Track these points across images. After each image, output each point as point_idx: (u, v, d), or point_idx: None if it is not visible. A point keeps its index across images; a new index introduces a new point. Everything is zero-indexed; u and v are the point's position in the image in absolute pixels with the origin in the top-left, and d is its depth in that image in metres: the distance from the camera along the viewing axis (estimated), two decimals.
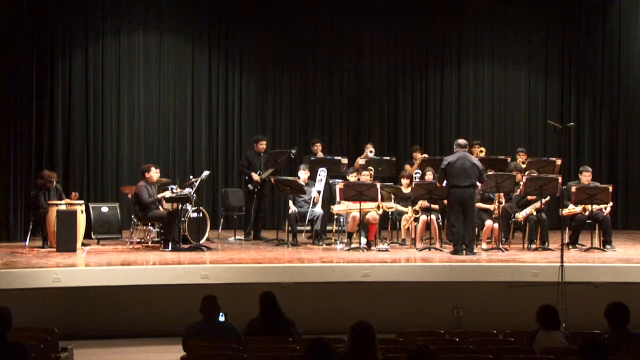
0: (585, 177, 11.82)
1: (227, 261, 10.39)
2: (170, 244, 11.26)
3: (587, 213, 11.56)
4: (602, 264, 10.43)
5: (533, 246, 11.60)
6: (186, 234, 11.55)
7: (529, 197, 11.73)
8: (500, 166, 12.28)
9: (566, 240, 11.44)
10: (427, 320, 9.50)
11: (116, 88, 14.62)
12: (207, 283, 9.43)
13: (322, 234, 12.45)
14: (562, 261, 9.09)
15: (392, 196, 12.21)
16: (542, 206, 11.66)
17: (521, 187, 11.67)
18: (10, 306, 5.84)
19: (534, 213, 11.63)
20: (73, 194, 12.11)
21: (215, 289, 8.21)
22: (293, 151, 13.21)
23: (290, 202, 12.35)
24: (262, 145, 13.18)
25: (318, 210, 12.33)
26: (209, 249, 11.52)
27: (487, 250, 11.46)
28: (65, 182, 13.70)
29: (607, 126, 15.65)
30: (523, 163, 12.94)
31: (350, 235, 11.78)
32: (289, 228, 12.27)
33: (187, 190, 11.64)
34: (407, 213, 12.10)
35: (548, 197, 11.68)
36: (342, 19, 15.63)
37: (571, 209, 11.58)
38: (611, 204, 11.71)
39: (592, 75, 15.70)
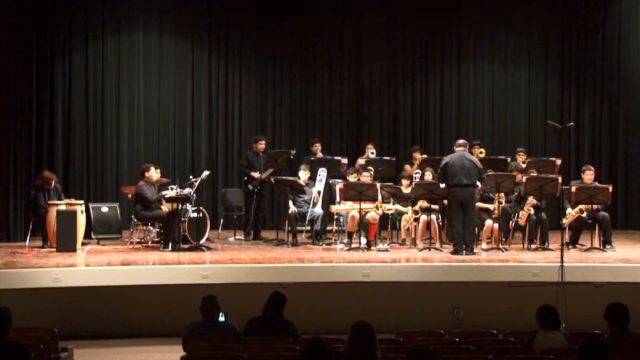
0: (588, 175, 11.82)
1: (227, 261, 10.39)
2: (170, 244, 11.26)
3: (584, 214, 11.55)
4: (602, 264, 10.42)
5: (533, 246, 11.60)
6: (186, 234, 11.54)
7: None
8: (500, 166, 12.27)
9: (566, 240, 11.44)
10: (427, 320, 9.50)
11: (116, 88, 14.63)
12: (207, 283, 9.43)
13: (322, 234, 12.45)
14: (562, 261, 9.09)
15: (391, 199, 12.23)
16: (540, 203, 11.66)
17: (522, 187, 11.66)
18: (10, 306, 5.83)
19: (532, 211, 11.63)
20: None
21: (215, 289, 8.21)
22: (293, 152, 13.21)
23: (290, 202, 12.35)
24: (262, 145, 13.17)
25: (318, 210, 12.33)
26: (209, 249, 11.52)
27: (487, 250, 11.46)
28: (65, 182, 13.72)
29: (607, 126, 15.65)
30: (523, 163, 12.94)
31: (350, 235, 11.77)
32: (289, 228, 12.28)
33: (187, 190, 11.65)
34: (407, 213, 12.10)
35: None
36: (342, 18, 15.63)
37: (569, 216, 11.56)
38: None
39: (592, 75, 15.70)
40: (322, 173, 12.59)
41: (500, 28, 15.84)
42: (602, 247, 11.53)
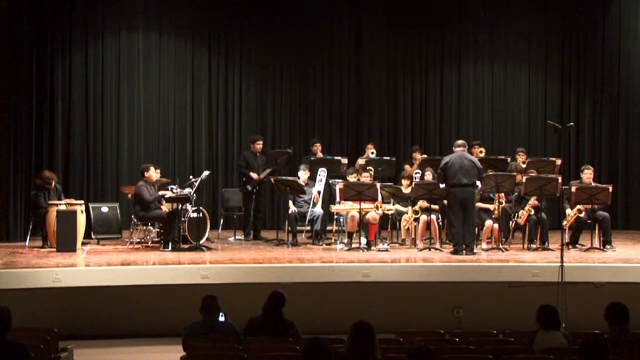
0: (587, 175, 11.82)
1: (227, 261, 10.39)
2: (170, 244, 11.26)
3: (583, 214, 11.54)
4: (602, 264, 10.42)
5: (533, 246, 11.60)
6: (186, 234, 11.54)
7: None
8: (500, 166, 12.27)
9: (566, 240, 11.44)
10: (427, 320, 9.51)
11: (116, 88, 14.62)
12: (207, 283, 9.43)
13: (322, 234, 12.45)
14: (562, 261, 9.09)
15: (391, 199, 12.24)
16: (540, 204, 11.65)
17: (522, 188, 11.66)
18: (10, 306, 5.83)
19: (532, 212, 11.63)
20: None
21: (215, 289, 8.21)
22: (289, 150, 13.21)
23: (290, 202, 12.35)
24: (259, 145, 13.17)
25: (318, 210, 12.33)
26: (209, 249, 11.52)
27: (487, 250, 11.46)
28: (65, 182, 13.72)
29: (607, 126, 15.64)
30: (523, 163, 12.93)
31: (350, 235, 11.77)
32: (289, 228, 12.28)
33: (187, 190, 11.65)
34: (407, 213, 12.10)
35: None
36: (342, 18, 15.63)
37: (569, 218, 11.54)
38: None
39: (592, 75, 15.69)
40: (322, 173, 12.58)
41: (500, 28, 15.83)
42: (602, 247, 11.53)
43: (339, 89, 15.70)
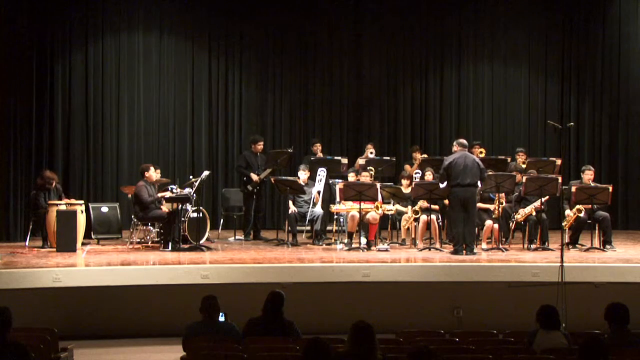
0: (588, 175, 11.81)
1: (227, 261, 10.39)
2: (170, 244, 11.26)
3: (582, 214, 11.52)
4: (602, 264, 10.42)
5: (533, 246, 11.60)
6: (186, 234, 11.55)
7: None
8: (500, 166, 12.27)
9: (566, 240, 11.44)
10: (427, 320, 9.51)
11: (116, 88, 14.63)
12: (207, 283, 9.43)
13: (322, 234, 12.45)
14: (562, 261, 9.09)
15: (391, 199, 12.24)
16: (542, 206, 11.66)
17: (522, 188, 11.65)
18: (10, 306, 5.84)
19: (534, 213, 11.63)
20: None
21: (215, 289, 8.21)
22: (289, 150, 13.21)
23: (290, 202, 12.36)
24: (260, 145, 13.15)
25: (318, 210, 12.33)
26: (209, 249, 11.52)
27: (487, 250, 11.46)
28: (65, 182, 13.72)
29: (607, 126, 15.64)
30: (523, 163, 12.93)
31: (350, 235, 11.77)
32: (289, 228, 12.28)
33: (187, 190, 11.65)
34: (407, 213, 12.10)
35: (547, 197, 11.64)
36: (342, 19, 15.63)
37: (568, 218, 11.53)
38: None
39: (592, 75, 15.69)
40: (322, 173, 12.58)
41: (500, 28, 15.83)
42: (602, 247, 11.53)
43: (339, 89, 15.69)
